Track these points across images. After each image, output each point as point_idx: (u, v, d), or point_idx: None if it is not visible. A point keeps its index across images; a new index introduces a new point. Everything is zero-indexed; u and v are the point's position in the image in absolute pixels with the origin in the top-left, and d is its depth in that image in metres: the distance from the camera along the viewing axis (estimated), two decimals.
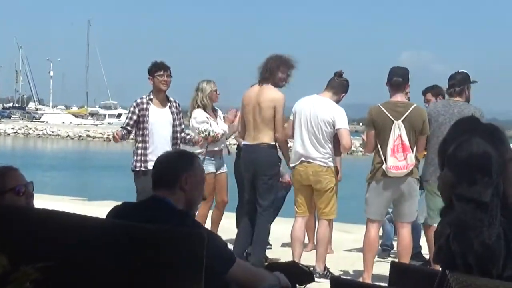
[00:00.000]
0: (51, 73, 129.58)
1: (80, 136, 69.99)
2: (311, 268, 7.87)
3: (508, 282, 2.60)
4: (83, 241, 3.30)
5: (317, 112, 7.99)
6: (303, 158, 8.03)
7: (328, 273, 7.89)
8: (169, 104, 8.29)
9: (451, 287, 2.69)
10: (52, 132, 72.43)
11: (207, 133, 8.97)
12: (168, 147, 8.03)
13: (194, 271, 3.16)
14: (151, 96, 8.23)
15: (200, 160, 4.02)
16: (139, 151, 8.13)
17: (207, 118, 9.15)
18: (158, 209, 3.72)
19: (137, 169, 8.09)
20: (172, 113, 8.26)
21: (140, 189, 8.01)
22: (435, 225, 7.85)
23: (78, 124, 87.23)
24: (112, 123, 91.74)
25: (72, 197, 16.01)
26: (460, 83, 8.02)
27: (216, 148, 9.17)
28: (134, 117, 8.18)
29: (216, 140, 9.05)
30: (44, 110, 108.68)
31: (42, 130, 73.36)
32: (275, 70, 8.06)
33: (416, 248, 9.12)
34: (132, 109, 8.26)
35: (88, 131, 72.13)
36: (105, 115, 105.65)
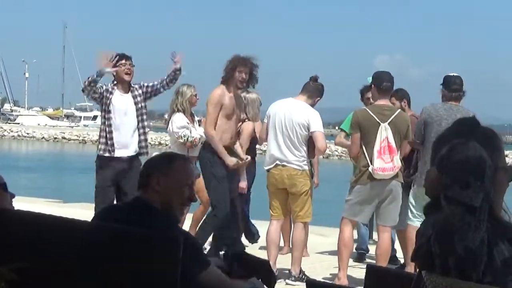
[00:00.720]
0: (27, 75, 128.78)
1: (55, 138, 69.63)
2: (287, 271, 7.93)
3: (485, 286, 2.59)
4: (61, 242, 3.28)
5: (292, 115, 7.98)
6: (278, 162, 8.02)
7: (303, 276, 7.87)
8: (131, 90, 8.08)
9: None
10: (27, 134, 72.02)
11: (185, 138, 8.97)
12: (135, 135, 7.98)
13: (169, 274, 3.16)
14: (115, 83, 8.02)
15: (182, 162, 3.94)
16: (104, 139, 7.94)
17: (187, 123, 9.14)
18: (140, 210, 3.69)
19: (103, 155, 7.92)
20: (135, 97, 8.05)
21: (99, 177, 7.96)
22: (411, 224, 7.90)
23: (53, 126, 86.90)
24: (87, 125, 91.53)
25: (48, 199, 15.91)
26: (461, 87, 8.00)
27: (192, 155, 9.13)
28: (99, 90, 7.89)
29: (195, 145, 9.06)
30: (19, 111, 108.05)
31: (17, 132, 72.93)
32: (231, 71, 8.11)
33: (392, 251, 9.16)
34: (101, 85, 7.95)
35: (64, 133, 71.80)
36: (80, 117, 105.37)
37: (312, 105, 8.14)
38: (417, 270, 2.78)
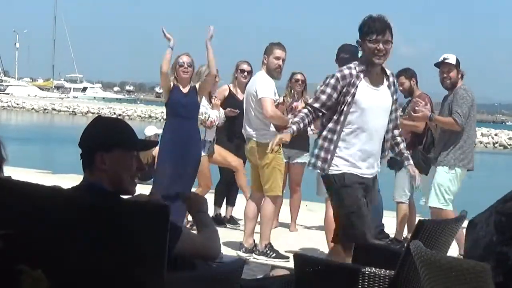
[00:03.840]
0: (17, 45, 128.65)
1: (45, 109, 69.50)
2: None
3: (470, 260, 2.61)
4: (48, 210, 3.28)
5: (247, 89, 8.05)
6: (247, 136, 8.03)
7: (268, 251, 7.87)
8: (387, 82, 5.84)
9: (415, 265, 2.72)
10: (17, 104, 71.95)
11: (206, 116, 8.76)
12: (379, 145, 5.82)
13: (157, 243, 3.16)
14: (363, 67, 5.67)
15: (120, 133, 3.45)
16: (325, 151, 5.72)
17: (207, 103, 8.88)
18: (92, 195, 3.41)
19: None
20: (392, 94, 5.85)
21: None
22: (448, 209, 8.03)
23: (43, 97, 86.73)
24: (77, 97, 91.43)
25: (37, 170, 15.91)
26: None
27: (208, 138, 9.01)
28: (334, 94, 5.65)
29: (213, 125, 8.88)
30: (9, 82, 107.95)
31: (6, 102, 72.87)
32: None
33: (380, 226, 9.19)
34: (331, 81, 5.68)
35: (54, 104, 71.63)
36: (70, 88, 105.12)
37: (268, 67, 7.91)
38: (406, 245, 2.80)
